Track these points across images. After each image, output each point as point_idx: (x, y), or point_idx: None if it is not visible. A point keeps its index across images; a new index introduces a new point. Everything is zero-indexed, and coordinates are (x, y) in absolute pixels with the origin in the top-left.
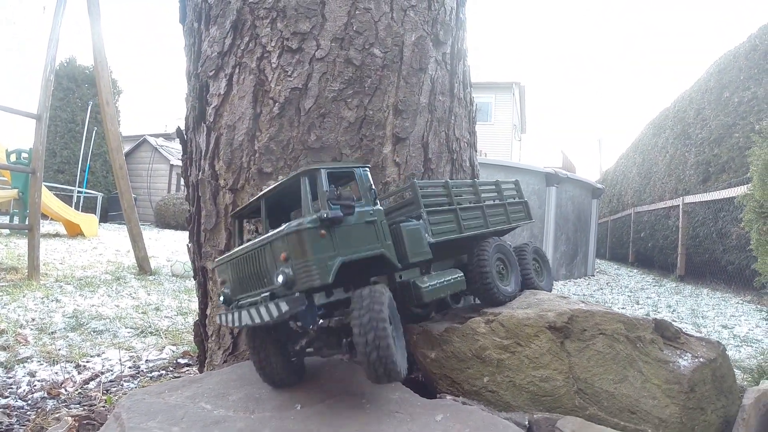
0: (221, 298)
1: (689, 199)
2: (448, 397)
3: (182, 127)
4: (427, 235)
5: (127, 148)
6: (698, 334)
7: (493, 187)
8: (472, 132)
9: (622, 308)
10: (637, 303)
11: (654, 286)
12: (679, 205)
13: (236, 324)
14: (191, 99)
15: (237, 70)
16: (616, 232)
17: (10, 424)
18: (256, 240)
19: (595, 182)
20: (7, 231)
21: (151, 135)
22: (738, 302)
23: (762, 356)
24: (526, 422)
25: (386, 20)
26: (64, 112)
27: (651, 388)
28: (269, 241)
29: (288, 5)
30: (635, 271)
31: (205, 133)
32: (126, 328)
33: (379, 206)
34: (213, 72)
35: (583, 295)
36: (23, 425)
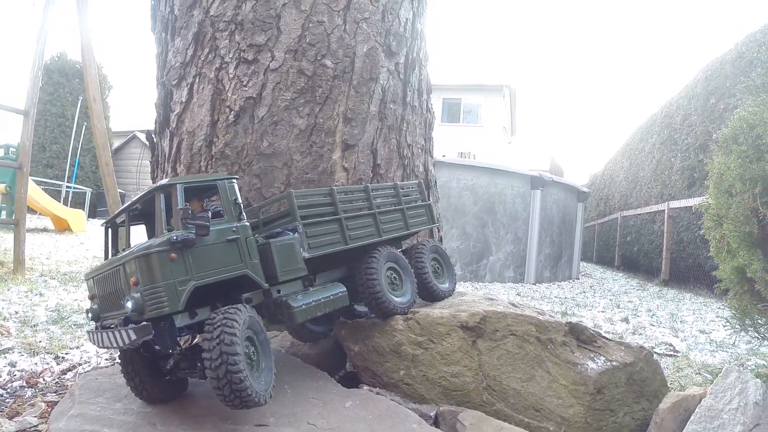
0: (89, 314)
1: (674, 204)
2: (365, 387)
3: (152, 133)
4: (302, 250)
5: (117, 143)
6: (618, 339)
7: (391, 191)
8: (428, 138)
9: (602, 311)
10: (618, 306)
11: (637, 290)
12: (664, 210)
13: (98, 345)
14: (158, 105)
15: (197, 80)
16: (603, 235)
17: None
18: (114, 259)
19: (581, 186)
20: None
21: (141, 131)
22: (719, 307)
23: (736, 361)
24: (433, 414)
25: (339, 32)
26: (54, 107)
27: (557, 388)
28: (122, 263)
29: (246, 18)
30: (620, 275)
31: (168, 138)
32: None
33: (244, 222)
34: (176, 81)
35: (565, 298)
36: (0, 411)
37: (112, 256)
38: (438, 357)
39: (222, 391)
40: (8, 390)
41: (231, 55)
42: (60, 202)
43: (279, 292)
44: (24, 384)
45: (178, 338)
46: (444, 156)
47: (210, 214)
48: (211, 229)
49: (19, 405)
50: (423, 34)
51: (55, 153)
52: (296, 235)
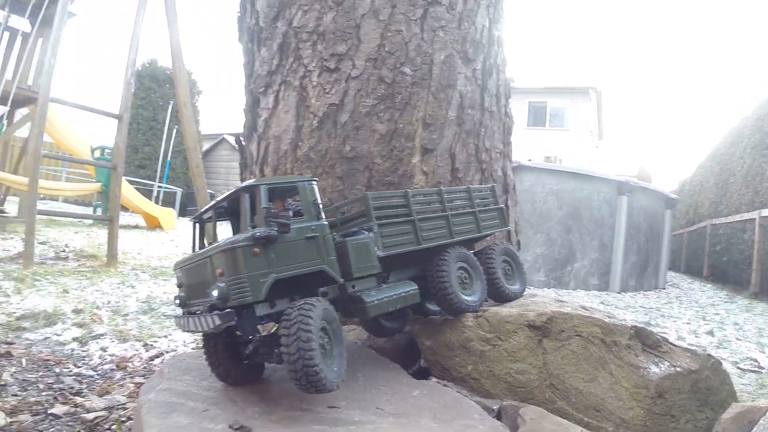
0: (176, 301)
1: (766, 212)
2: (434, 379)
3: (240, 137)
4: (376, 248)
5: (206, 146)
6: (686, 345)
7: (464, 194)
8: (507, 143)
9: (687, 323)
10: (704, 319)
11: (725, 302)
12: (755, 219)
13: (184, 329)
14: (246, 111)
15: (283, 88)
16: (692, 244)
17: (80, 389)
18: (202, 251)
19: (669, 192)
20: (89, 221)
21: (229, 134)
22: None
23: None
24: (496, 407)
25: (416, 41)
26: (146, 111)
27: (619, 390)
28: (209, 255)
29: (327, 29)
30: (709, 285)
31: (256, 142)
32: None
33: (322, 221)
34: (263, 88)
35: (650, 308)
36: (91, 390)
37: (198, 249)
38: (505, 354)
39: (298, 380)
40: (99, 372)
41: (314, 64)
42: (152, 201)
43: (354, 287)
44: (114, 367)
45: (259, 326)
46: (530, 160)
47: (291, 213)
48: (291, 227)
49: (108, 385)
50: (500, 40)
51: (147, 155)
52: (371, 234)
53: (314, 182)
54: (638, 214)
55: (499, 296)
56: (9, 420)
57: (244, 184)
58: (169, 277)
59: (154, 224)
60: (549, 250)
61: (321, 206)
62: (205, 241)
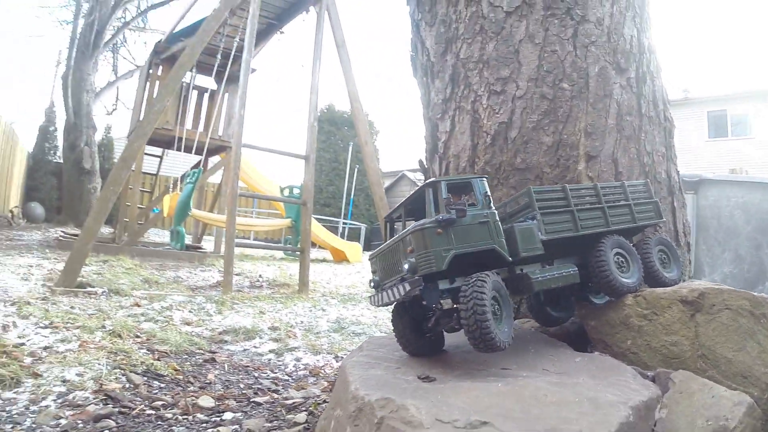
0: (371, 284)
1: None
2: (596, 352)
3: (423, 160)
4: (539, 233)
5: (387, 183)
6: None
7: (619, 188)
8: (669, 146)
9: None
10: None
11: None
12: None
13: (379, 303)
14: (427, 137)
15: (457, 113)
16: None
17: (277, 389)
18: (393, 238)
19: None
20: (280, 255)
21: (409, 170)
22: None
23: None
24: (651, 374)
25: (571, 57)
26: (328, 153)
27: (766, 358)
28: (401, 238)
29: (490, 57)
30: None
31: (437, 162)
32: (381, 332)
33: (492, 209)
34: (440, 115)
35: None
36: (287, 390)
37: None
38: (660, 327)
39: (476, 343)
40: (293, 377)
41: (482, 89)
42: (337, 236)
43: (522, 270)
44: (308, 374)
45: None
46: (714, 174)
47: (467, 204)
48: (467, 213)
49: (303, 384)
50: (651, 48)
51: (330, 193)
52: (535, 221)
53: (485, 179)
54: None
55: (656, 282)
56: (216, 403)
57: (428, 181)
58: (356, 302)
59: (340, 258)
60: (737, 269)
61: (491, 198)
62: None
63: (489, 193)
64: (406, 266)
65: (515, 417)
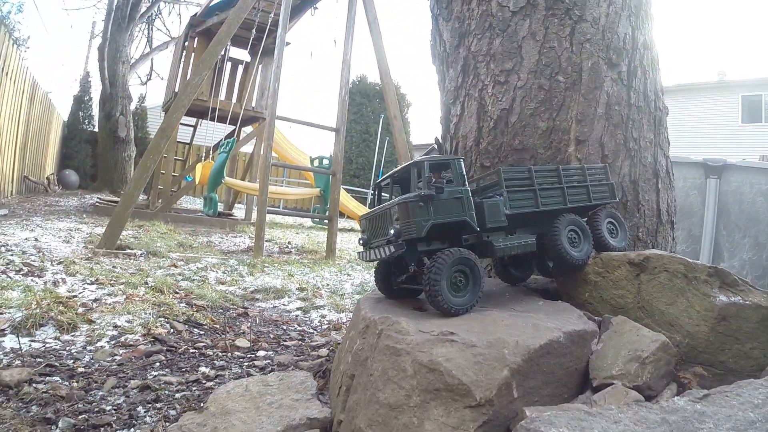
0: (360, 241)
1: None
2: (559, 301)
3: (438, 138)
4: (504, 208)
5: (417, 155)
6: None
7: (578, 171)
8: (658, 133)
9: None
10: None
11: None
12: None
13: (367, 259)
14: (442, 118)
15: (466, 99)
16: None
17: (302, 338)
18: (382, 205)
19: None
20: (308, 223)
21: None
22: None
23: None
24: (598, 319)
25: (567, 53)
26: (359, 125)
27: (691, 312)
28: (389, 207)
29: (496, 51)
30: None
31: (449, 142)
32: None
33: (466, 187)
34: (452, 100)
35: None
36: (312, 338)
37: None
38: (610, 283)
39: (431, 304)
40: (318, 330)
41: (488, 79)
42: (366, 207)
43: (488, 237)
44: (331, 328)
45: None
46: (743, 159)
47: (445, 181)
48: (444, 189)
49: (327, 334)
50: (647, 44)
51: (360, 165)
52: (501, 198)
53: (461, 160)
54: None
55: (603, 248)
56: (251, 344)
57: (413, 160)
58: None
59: None
60: (756, 256)
61: (466, 177)
62: (381, 202)
63: (464, 172)
64: (392, 231)
65: (474, 331)
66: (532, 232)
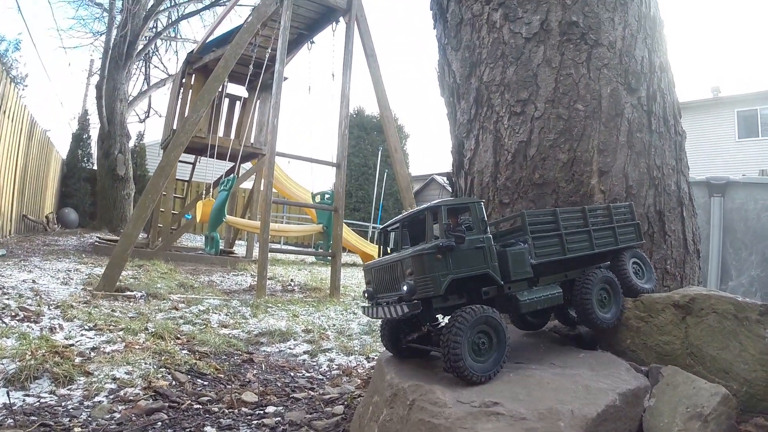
0: (365, 294)
1: None
2: (599, 350)
3: (450, 174)
4: (530, 257)
5: (416, 186)
6: None
7: (604, 211)
8: (679, 159)
9: None
10: None
11: None
12: None
13: (374, 316)
14: (453, 152)
15: (481, 132)
16: None
17: (312, 387)
18: (393, 256)
19: None
20: (310, 259)
21: (438, 174)
22: None
23: None
24: (645, 369)
25: (585, 80)
26: (357, 158)
27: (746, 356)
28: (401, 259)
29: (510, 80)
30: None
31: (463, 178)
32: None
33: (488, 234)
34: (465, 134)
35: None
36: (322, 387)
37: (383, 254)
38: (655, 328)
39: (449, 371)
40: (327, 377)
41: (503, 110)
42: (367, 240)
43: (510, 288)
44: (341, 373)
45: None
46: (744, 175)
47: (464, 227)
48: (466, 239)
49: (338, 382)
50: (663, 66)
51: (360, 198)
52: (526, 246)
53: (482, 203)
54: None
55: (631, 292)
56: (259, 398)
57: (429, 204)
58: None
59: None
60: (765, 272)
61: (487, 223)
62: (388, 248)
63: (486, 218)
64: (405, 288)
65: (520, 399)
66: (556, 280)
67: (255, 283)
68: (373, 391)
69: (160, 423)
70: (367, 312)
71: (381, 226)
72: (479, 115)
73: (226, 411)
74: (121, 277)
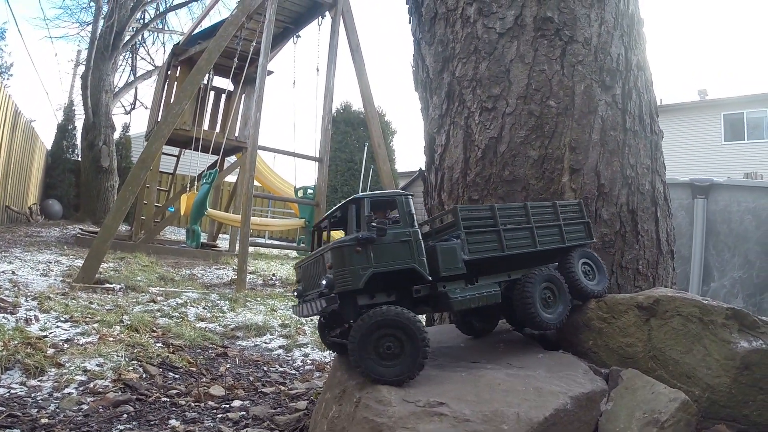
0: (295, 293)
1: None
2: (560, 351)
3: (423, 169)
4: (462, 253)
5: (403, 183)
6: None
7: (550, 209)
8: (655, 158)
9: None
10: None
11: None
12: None
13: (299, 315)
14: (426, 149)
15: (452, 127)
16: None
17: (283, 382)
18: (316, 251)
19: None
20: (294, 254)
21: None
22: None
23: None
24: (606, 372)
25: (558, 77)
26: (343, 153)
27: (709, 361)
28: (322, 253)
29: (483, 76)
30: None
31: (434, 173)
32: None
33: (415, 228)
34: (436, 129)
35: None
36: (292, 382)
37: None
38: (617, 330)
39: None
40: (300, 371)
41: (475, 106)
42: None
43: (444, 287)
44: (314, 368)
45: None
46: (728, 178)
47: (390, 221)
48: (387, 231)
49: (309, 378)
50: (641, 64)
51: (345, 193)
52: (458, 241)
53: (409, 196)
54: None
55: (580, 294)
56: (226, 392)
57: (351, 197)
58: None
59: None
60: (747, 274)
61: (415, 216)
62: (322, 245)
63: (413, 210)
64: (323, 282)
65: (468, 400)
66: (497, 279)
67: (236, 276)
68: (327, 387)
69: (125, 415)
70: (296, 311)
71: (314, 225)
72: (450, 111)
73: (193, 404)
74: (101, 270)
